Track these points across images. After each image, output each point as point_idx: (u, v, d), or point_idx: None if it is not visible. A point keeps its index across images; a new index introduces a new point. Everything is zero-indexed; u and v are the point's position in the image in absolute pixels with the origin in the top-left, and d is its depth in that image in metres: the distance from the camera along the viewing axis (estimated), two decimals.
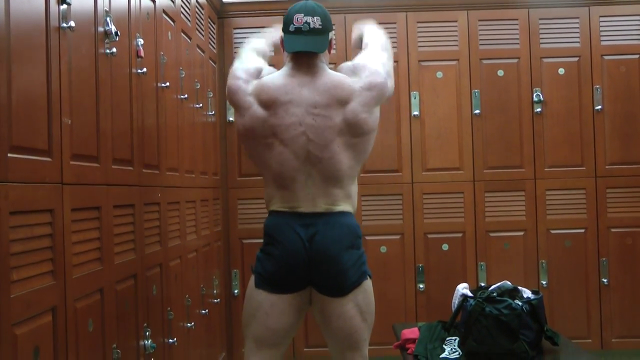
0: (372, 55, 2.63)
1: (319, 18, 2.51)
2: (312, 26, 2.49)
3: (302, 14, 2.49)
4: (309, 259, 2.42)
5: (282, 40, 2.59)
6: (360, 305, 2.48)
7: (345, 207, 2.51)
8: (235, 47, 4.49)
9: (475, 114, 4.47)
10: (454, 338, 3.06)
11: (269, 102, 2.47)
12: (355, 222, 2.53)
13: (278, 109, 2.45)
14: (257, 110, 2.47)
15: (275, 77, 2.53)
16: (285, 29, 2.54)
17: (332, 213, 2.48)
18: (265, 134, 2.47)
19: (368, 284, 2.53)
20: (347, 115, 2.46)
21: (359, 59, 2.64)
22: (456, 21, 4.51)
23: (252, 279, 2.54)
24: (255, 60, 2.66)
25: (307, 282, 2.47)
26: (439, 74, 4.51)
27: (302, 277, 2.45)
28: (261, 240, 2.56)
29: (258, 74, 2.58)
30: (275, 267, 2.46)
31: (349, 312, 2.47)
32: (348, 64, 2.66)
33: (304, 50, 2.49)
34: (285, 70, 2.55)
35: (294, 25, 2.49)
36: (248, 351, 2.56)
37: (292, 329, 2.55)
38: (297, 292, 2.48)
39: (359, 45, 2.80)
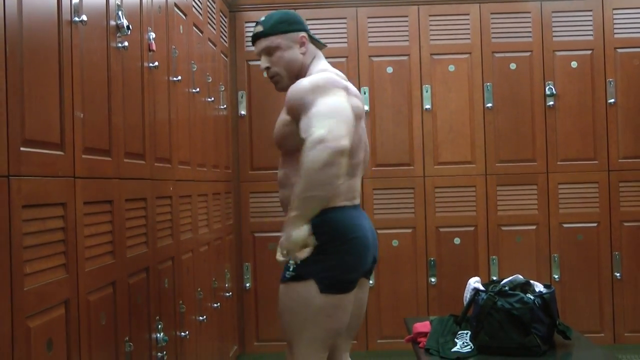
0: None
1: None
2: None
3: None
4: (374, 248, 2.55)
5: (306, 38, 2.50)
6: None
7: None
8: (247, 41, 4.49)
9: (488, 107, 4.46)
10: (465, 332, 3.05)
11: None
12: None
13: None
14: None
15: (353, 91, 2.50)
16: (305, 29, 2.51)
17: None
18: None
19: None
20: None
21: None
22: (468, 14, 4.49)
23: (309, 285, 2.31)
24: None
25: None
26: (451, 68, 4.49)
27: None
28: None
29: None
30: (357, 263, 2.38)
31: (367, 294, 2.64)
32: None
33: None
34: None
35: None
36: (307, 356, 2.37)
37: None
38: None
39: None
